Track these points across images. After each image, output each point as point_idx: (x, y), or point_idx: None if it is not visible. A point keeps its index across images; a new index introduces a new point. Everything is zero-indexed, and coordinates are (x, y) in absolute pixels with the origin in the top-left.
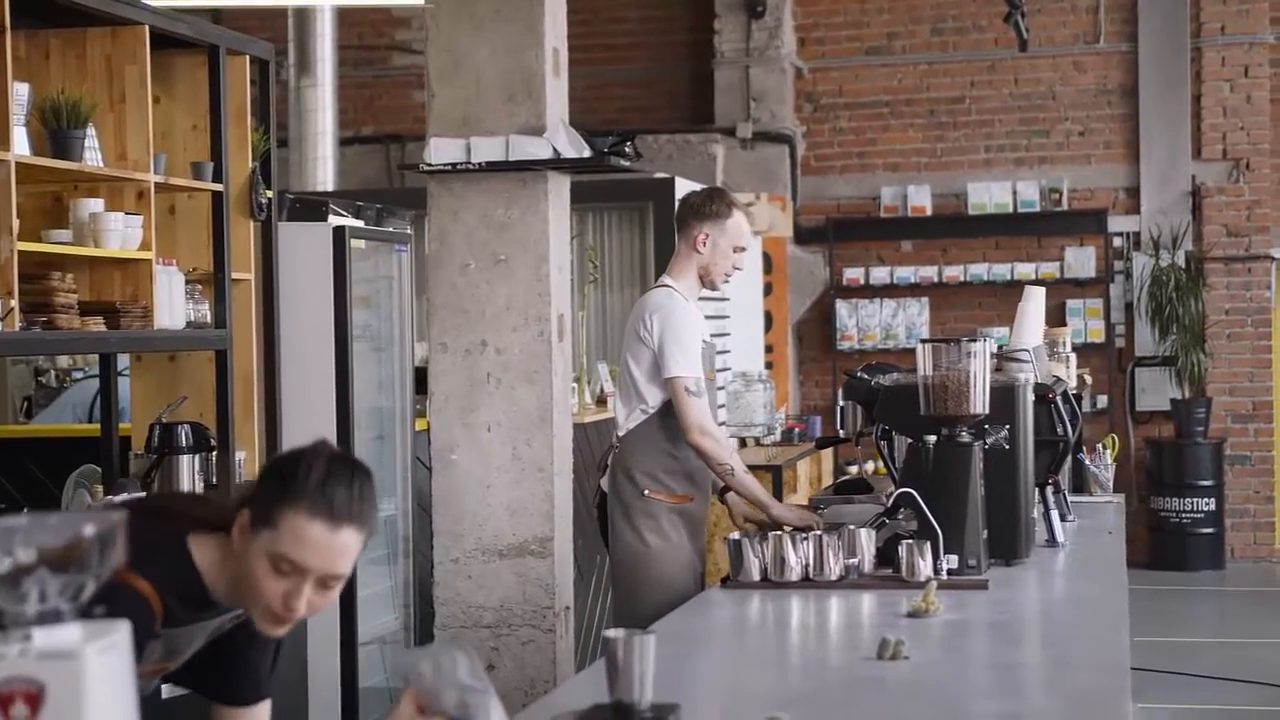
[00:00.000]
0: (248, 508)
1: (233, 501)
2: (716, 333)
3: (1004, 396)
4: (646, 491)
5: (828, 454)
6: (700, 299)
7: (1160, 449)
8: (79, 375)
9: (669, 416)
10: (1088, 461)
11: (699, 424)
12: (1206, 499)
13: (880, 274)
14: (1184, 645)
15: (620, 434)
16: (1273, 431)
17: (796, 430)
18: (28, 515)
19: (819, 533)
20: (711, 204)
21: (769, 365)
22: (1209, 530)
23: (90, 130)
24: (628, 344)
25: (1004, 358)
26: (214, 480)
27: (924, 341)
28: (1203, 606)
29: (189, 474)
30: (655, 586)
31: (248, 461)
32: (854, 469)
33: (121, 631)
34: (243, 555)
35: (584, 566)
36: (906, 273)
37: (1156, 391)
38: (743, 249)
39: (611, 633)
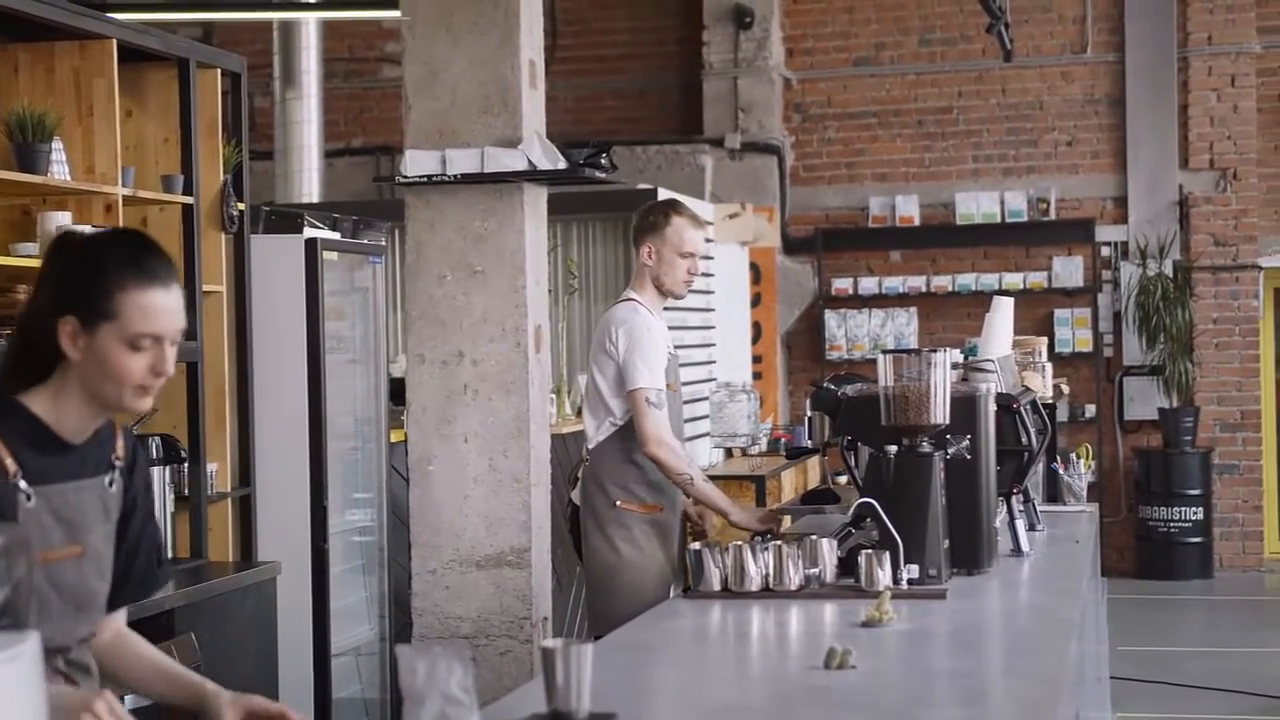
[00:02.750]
0: (69, 315)
1: (37, 323)
2: (702, 343)
3: (965, 407)
4: (618, 503)
5: (814, 464)
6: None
7: (1148, 458)
8: None
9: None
10: (1061, 471)
11: (655, 435)
12: (1195, 508)
13: (869, 284)
14: (1171, 654)
15: (590, 446)
16: (1260, 440)
17: (784, 440)
18: None
19: (779, 542)
20: (649, 216)
21: (758, 375)
22: (1197, 539)
23: (57, 143)
24: (594, 358)
25: (969, 368)
26: (185, 492)
27: (885, 352)
28: (1190, 616)
29: (160, 486)
30: (628, 595)
31: (219, 474)
32: (844, 479)
33: (30, 642)
34: (86, 358)
35: (562, 577)
36: (895, 283)
37: (1144, 401)
38: (690, 254)
39: (548, 643)
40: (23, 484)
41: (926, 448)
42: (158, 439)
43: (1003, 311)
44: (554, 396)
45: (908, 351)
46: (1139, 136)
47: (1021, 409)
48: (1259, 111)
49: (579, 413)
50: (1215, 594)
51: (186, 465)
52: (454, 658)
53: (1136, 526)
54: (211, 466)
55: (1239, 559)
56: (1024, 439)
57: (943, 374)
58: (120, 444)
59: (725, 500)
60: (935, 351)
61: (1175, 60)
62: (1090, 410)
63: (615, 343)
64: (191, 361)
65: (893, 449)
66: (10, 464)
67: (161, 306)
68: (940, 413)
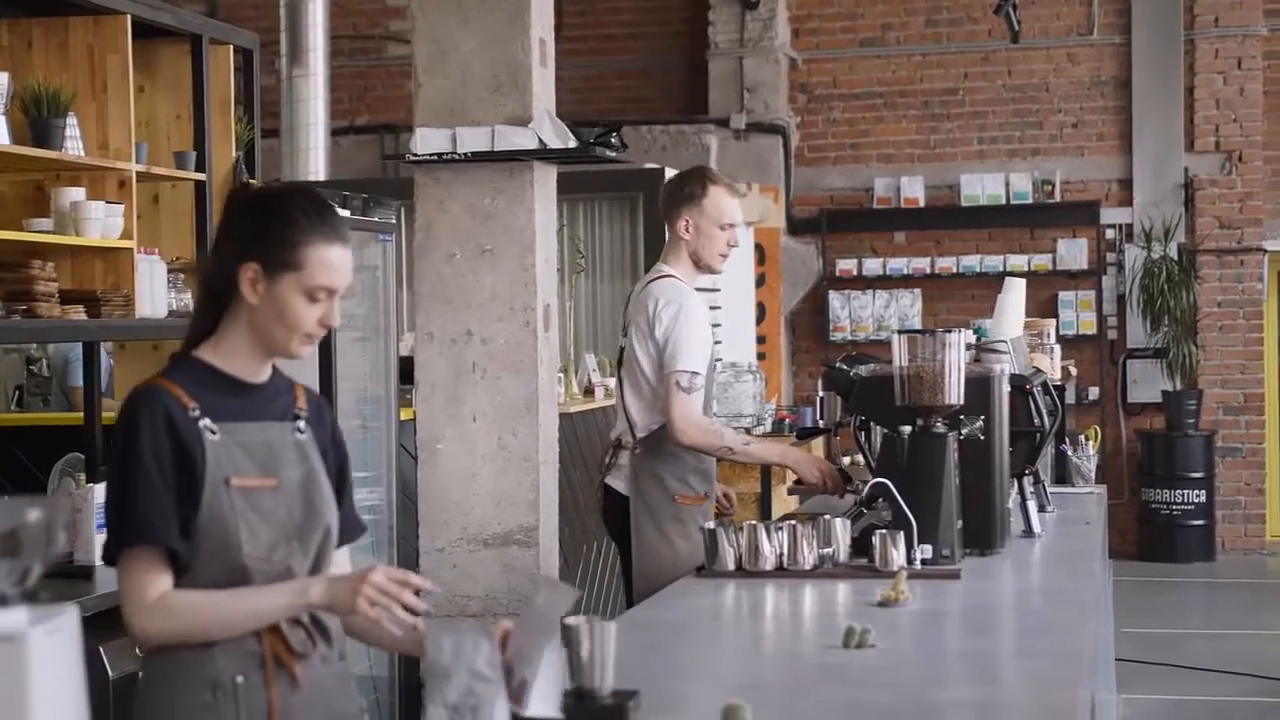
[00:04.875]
0: (252, 262)
1: (218, 270)
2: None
3: (979, 387)
4: (677, 497)
5: (819, 444)
6: (696, 288)
7: (1151, 441)
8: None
9: None
10: (1070, 453)
11: (681, 423)
12: (1197, 491)
13: (873, 265)
14: (1173, 636)
15: (640, 434)
16: (1264, 424)
17: (788, 421)
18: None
19: (793, 521)
20: (685, 186)
21: (761, 356)
22: (1199, 522)
23: (71, 119)
24: (637, 341)
25: (982, 349)
26: None
27: (900, 332)
28: (1192, 598)
29: None
30: None
31: None
32: (847, 460)
33: (70, 615)
34: (263, 304)
35: (570, 557)
36: (899, 264)
37: (1148, 383)
38: (730, 225)
39: (572, 620)
40: (205, 420)
41: (941, 428)
42: None
43: (1015, 293)
44: (561, 376)
45: (923, 332)
46: (1144, 119)
47: (1034, 390)
48: (1265, 94)
49: (587, 392)
50: (1217, 576)
51: None
52: (481, 634)
53: (1139, 509)
54: None
55: (1241, 542)
56: (1036, 420)
57: (957, 354)
58: (301, 398)
59: (779, 453)
60: (950, 332)
61: (1181, 42)
62: (1094, 393)
63: (662, 323)
64: None
65: (907, 429)
66: (189, 402)
67: (340, 263)
68: (955, 393)
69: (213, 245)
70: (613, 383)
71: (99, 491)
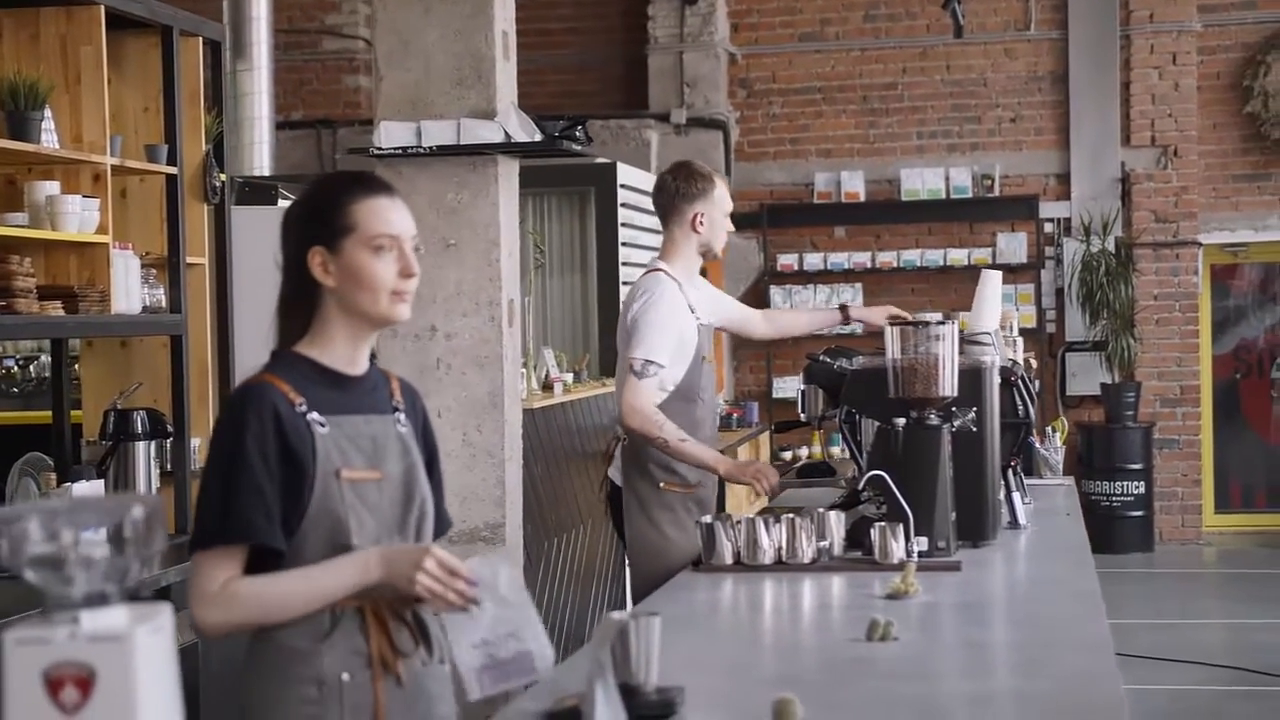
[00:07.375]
0: (315, 246)
1: (291, 273)
2: None
3: (971, 379)
4: (662, 484)
5: (764, 439)
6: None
7: (1090, 433)
8: (9, 363)
9: (676, 405)
10: (1038, 445)
11: (628, 404)
12: (1136, 482)
13: (814, 260)
14: (1115, 627)
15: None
16: (1200, 415)
17: (734, 416)
18: (72, 498)
19: (791, 515)
20: (696, 183)
21: None
22: (1138, 513)
23: (47, 112)
24: (620, 333)
25: (966, 341)
26: (169, 468)
27: (892, 324)
28: (1133, 588)
29: (144, 460)
30: (673, 576)
31: (202, 448)
32: (788, 455)
33: (164, 614)
34: (340, 280)
35: (533, 553)
36: (840, 259)
37: (1087, 376)
38: (729, 212)
39: (618, 615)
40: (313, 414)
41: (935, 420)
42: (143, 413)
43: (992, 285)
44: (522, 371)
45: (916, 324)
46: (1082, 113)
47: (1018, 381)
48: (1199, 89)
49: (546, 388)
50: (1156, 567)
51: (171, 440)
52: (497, 563)
53: (1079, 500)
54: (195, 441)
55: (1179, 532)
56: (1021, 411)
57: (950, 346)
58: (397, 390)
59: (711, 455)
60: (943, 323)
61: (1118, 38)
62: (1034, 385)
63: (630, 311)
64: (175, 335)
65: (901, 421)
66: (296, 397)
67: (389, 209)
68: (949, 385)
69: (281, 258)
70: (570, 378)
71: (75, 491)
